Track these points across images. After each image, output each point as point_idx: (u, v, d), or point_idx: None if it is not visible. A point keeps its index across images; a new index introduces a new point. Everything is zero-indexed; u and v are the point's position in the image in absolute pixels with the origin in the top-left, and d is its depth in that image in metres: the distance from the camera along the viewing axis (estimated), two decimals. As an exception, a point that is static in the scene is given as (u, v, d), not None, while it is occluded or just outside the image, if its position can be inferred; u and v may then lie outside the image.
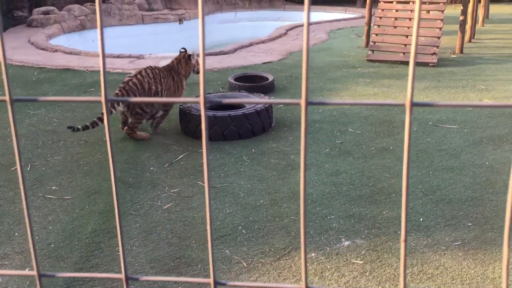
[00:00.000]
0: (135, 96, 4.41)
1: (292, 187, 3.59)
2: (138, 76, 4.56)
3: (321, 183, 3.66)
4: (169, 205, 3.38)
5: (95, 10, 10.84)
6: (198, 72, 4.88)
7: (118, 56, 7.92)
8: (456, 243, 2.87)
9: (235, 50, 8.33)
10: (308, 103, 0.60)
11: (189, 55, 4.88)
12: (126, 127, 4.54)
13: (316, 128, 4.80)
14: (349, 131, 4.75)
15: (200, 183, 3.68)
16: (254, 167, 3.97)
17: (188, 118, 4.54)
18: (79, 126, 4.20)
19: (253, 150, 4.28)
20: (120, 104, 4.36)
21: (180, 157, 4.16)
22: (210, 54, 7.89)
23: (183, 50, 4.96)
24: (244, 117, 4.49)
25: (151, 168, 3.95)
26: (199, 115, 4.43)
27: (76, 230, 3.06)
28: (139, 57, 7.90)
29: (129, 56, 7.94)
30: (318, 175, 3.80)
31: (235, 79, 6.06)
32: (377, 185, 3.63)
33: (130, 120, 4.53)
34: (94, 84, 6.41)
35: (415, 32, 0.56)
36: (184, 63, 4.87)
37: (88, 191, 3.56)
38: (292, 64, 7.58)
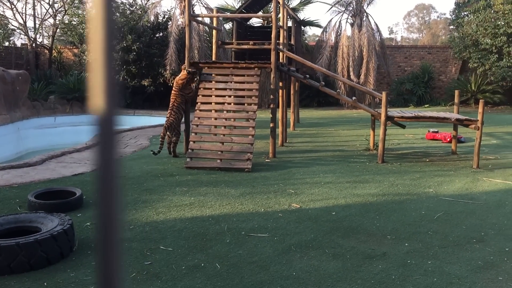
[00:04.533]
0: None
1: (86, 328, 3.11)
2: None
3: (122, 318, 3.25)
4: None
5: None
6: None
7: None
8: None
9: (43, 161, 7.66)
10: None
11: None
12: None
13: (125, 249, 4.42)
14: (160, 248, 4.46)
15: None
16: (44, 306, 3.40)
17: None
18: None
19: (45, 284, 3.70)
20: None
21: None
22: (12, 167, 7.09)
23: None
24: (37, 244, 3.93)
25: None
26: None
27: None
28: None
29: None
30: (120, 308, 3.39)
31: (36, 196, 5.44)
32: (185, 312, 3.36)
33: None
34: None
35: None
36: None
37: None
38: (106, 174, 7.18)
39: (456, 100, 9.75)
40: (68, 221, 4.35)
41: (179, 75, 8.91)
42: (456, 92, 9.85)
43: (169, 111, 8.84)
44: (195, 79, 8.91)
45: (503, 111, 18.84)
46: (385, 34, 66.97)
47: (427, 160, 8.95)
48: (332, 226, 5.14)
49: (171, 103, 8.85)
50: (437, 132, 11.71)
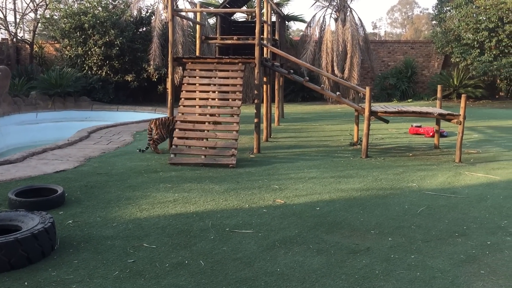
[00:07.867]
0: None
1: (68, 328, 3.06)
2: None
3: (104, 317, 3.21)
4: None
5: None
6: None
7: None
8: None
9: (24, 158, 7.53)
10: None
11: None
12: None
13: (107, 247, 4.37)
14: (144, 246, 4.42)
15: None
16: (24, 306, 3.34)
17: None
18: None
19: (26, 283, 3.64)
20: None
21: None
22: (-8, 164, 6.96)
23: None
24: (17, 243, 3.86)
25: None
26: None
27: None
28: None
29: None
30: (102, 307, 3.35)
31: (16, 194, 5.34)
32: (168, 310, 3.33)
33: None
34: None
35: None
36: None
37: None
38: (89, 171, 7.10)
39: (438, 95, 9.83)
40: (49, 219, 4.28)
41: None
42: (439, 87, 9.93)
43: (155, 129, 8.90)
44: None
45: (484, 105, 19.07)
46: (369, 29, 67.15)
47: (410, 154, 9.02)
48: (316, 222, 5.15)
49: (155, 129, 8.97)
50: (420, 126, 11.80)
